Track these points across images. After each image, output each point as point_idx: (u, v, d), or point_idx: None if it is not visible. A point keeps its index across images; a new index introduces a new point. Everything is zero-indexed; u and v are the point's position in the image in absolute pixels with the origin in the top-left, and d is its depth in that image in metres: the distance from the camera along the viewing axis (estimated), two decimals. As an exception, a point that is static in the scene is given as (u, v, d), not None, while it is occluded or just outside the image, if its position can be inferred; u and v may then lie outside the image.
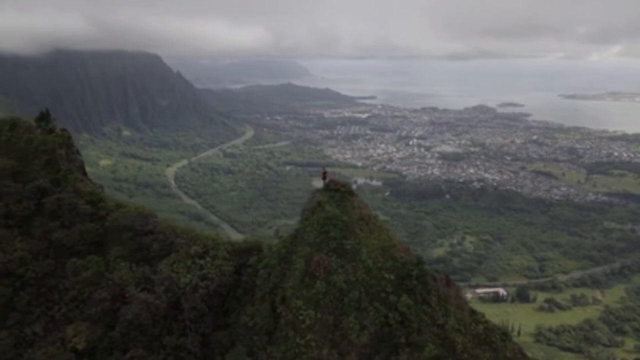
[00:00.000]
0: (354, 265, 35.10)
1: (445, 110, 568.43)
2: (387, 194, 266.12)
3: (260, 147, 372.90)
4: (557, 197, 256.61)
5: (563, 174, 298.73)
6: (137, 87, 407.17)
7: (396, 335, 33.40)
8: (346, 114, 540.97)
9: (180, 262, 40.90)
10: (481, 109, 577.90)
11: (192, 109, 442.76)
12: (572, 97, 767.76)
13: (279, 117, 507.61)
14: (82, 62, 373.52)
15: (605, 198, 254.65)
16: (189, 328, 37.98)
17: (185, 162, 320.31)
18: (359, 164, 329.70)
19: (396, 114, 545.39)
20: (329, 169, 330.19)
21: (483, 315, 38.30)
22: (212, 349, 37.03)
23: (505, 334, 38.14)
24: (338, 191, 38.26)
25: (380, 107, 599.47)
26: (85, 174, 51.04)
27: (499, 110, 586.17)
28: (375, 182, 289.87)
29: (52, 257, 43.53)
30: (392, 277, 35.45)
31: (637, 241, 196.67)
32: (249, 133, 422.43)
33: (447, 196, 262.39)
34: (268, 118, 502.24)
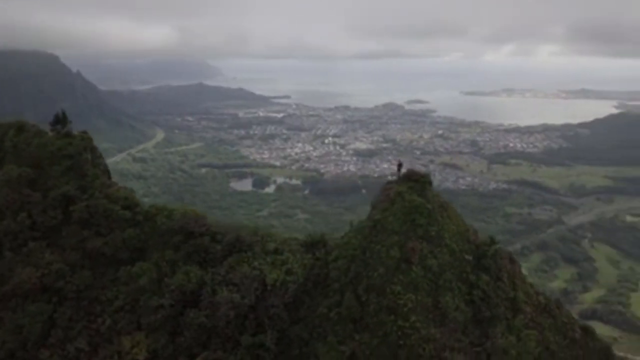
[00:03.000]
0: (440, 250, 37.08)
1: (357, 109, 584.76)
2: (306, 192, 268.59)
3: (172, 149, 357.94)
4: (463, 187, 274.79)
5: (467, 165, 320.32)
6: (32, 89, 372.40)
7: (482, 311, 35.95)
8: (261, 114, 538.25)
9: (258, 259, 39.65)
10: (391, 107, 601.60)
11: (97, 111, 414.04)
12: (472, 94, 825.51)
13: (191, 118, 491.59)
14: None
15: (505, 186, 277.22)
16: (268, 325, 36.88)
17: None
18: (278, 163, 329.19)
19: (311, 113, 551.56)
20: (246, 170, 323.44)
21: (538, 287, 42.82)
22: (289, 344, 36.47)
23: (559, 302, 43.53)
24: (418, 181, 39.95)
25: (295, 106, 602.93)
26: (110, 178, 48.44)
27: (407, 107, 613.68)
28: (294, 181, 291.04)
29: (87, 267, 41.32)
30: (471, 258, 38.14)
31: (533, 224, 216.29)
32: (160, 135, 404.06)
33: (364, 191, 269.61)
34: (179, 119, 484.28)
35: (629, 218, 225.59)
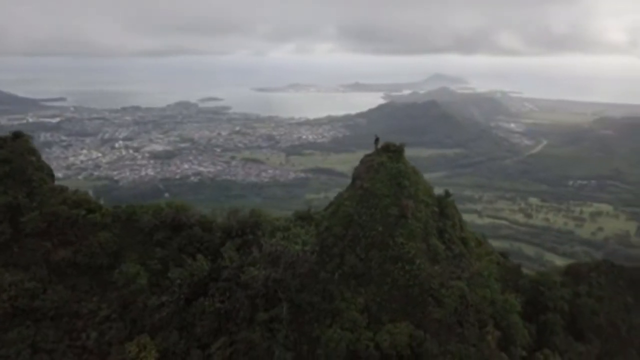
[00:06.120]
0: (419, 205, 43.46)
1: (148, 109, 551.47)
2: (100, 202, 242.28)
3: None
4: (266, 180, 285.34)
5: (267, 159, 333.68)
6: None
7: (451, 249, 42.89)
8: (31, 120, 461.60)
9: (271, 236, 39.96)
10: (184, 105, 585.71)
11: None
12: (262, 89, 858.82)
13: None
14: None
15: (302, 175, 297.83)
16: (282, 298, 37.71)
17: None
18: (60, 174, 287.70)
19: (94, 115, 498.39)
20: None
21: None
22: (297, 312, 37.99)
23: (484, 236, 55.05)
24: (395, 151, 46.89)
25: (73, 109, 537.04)
26: (54, 181, 45.75)
27: (201, 105, 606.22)
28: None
29: (56, 282, 38.09)
30: (437, 209, 45.28)
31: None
32: None
33: (166, 194, 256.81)
34: None
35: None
